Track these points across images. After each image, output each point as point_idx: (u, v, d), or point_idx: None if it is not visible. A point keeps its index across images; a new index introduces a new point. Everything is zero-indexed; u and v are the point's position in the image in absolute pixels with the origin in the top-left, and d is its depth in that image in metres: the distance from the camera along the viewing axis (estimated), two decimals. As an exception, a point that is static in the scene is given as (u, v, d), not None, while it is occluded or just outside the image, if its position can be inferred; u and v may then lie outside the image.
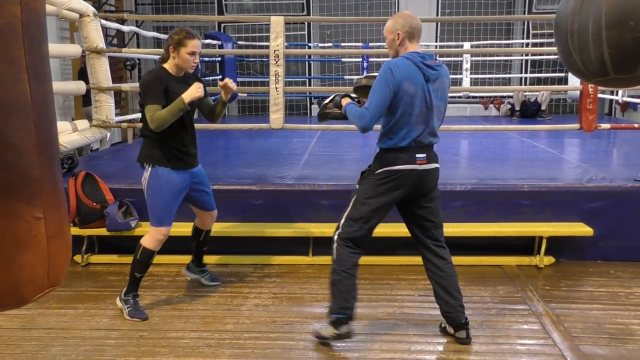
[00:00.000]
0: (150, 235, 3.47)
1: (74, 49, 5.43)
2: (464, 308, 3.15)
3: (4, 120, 1.33)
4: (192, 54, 3.34)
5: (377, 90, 2.93)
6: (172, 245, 4.05)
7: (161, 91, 3.29)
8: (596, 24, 1.72)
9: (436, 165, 3.09)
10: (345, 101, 3.16)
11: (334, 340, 3.10)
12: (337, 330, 3.05)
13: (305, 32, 11.34)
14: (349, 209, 3.09)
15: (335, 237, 3.09)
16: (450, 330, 3.19)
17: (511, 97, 10.17)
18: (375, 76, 3.06)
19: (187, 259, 4.20)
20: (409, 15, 3.05)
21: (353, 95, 3.27)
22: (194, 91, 3.31)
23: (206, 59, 10.02)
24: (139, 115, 5.12)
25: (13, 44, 1.33)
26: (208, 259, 4.33)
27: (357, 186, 3.15)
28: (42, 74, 1.42)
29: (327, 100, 3.29)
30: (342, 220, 3.09)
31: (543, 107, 9.73)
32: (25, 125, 1.36)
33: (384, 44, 3.23)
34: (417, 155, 3.00)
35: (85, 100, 7.47)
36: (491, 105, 10.98)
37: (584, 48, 1.79)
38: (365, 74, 3.38)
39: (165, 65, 3.40)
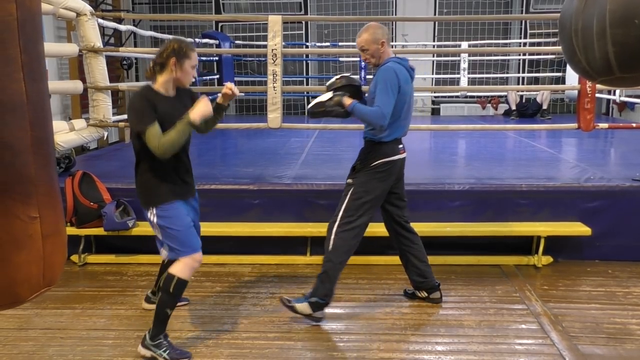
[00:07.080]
0: (183, 264, 2.94)
1: (71, 48, 5.41)
2: (432, 273, 3.60)
3: None
4: (194, 67, 2.97)
5: (387, 92, 3.18)
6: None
7: (152, 111, 2.81)
8: (600, 22, 1.69)
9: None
10: (348, 100, 3.27)
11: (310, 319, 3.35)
12: (313, 312, 3.32)
13: (303, 32, 11.33)
14: (346, 201, 3.33)
15: (335, 228, 3.32)
16: (423, 294, 3.62)
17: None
18: (347, 77, 3.41)
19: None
20: (381, 25, 3.33)
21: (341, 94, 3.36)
22: (204, 107, 2.84)
23: (204, 58, 9.99)
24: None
25: (8, 42, 1.31)
26: (207, 259, 4.31)
27: (349, 181, 3.39)
28: (38, 72, 1.40)
29: (324, 98, 3.31)
30: (341, 213, 3.32)
31: (545, 107, 9.72)
32: (21, 125, 1.34)
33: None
34: (399, 146, 3.40)
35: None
36: (489, 104, 10.98)
37: (589, 47, 1.76)
38: (338, 74, 3.49)
39: (156, 86, 2.91)
